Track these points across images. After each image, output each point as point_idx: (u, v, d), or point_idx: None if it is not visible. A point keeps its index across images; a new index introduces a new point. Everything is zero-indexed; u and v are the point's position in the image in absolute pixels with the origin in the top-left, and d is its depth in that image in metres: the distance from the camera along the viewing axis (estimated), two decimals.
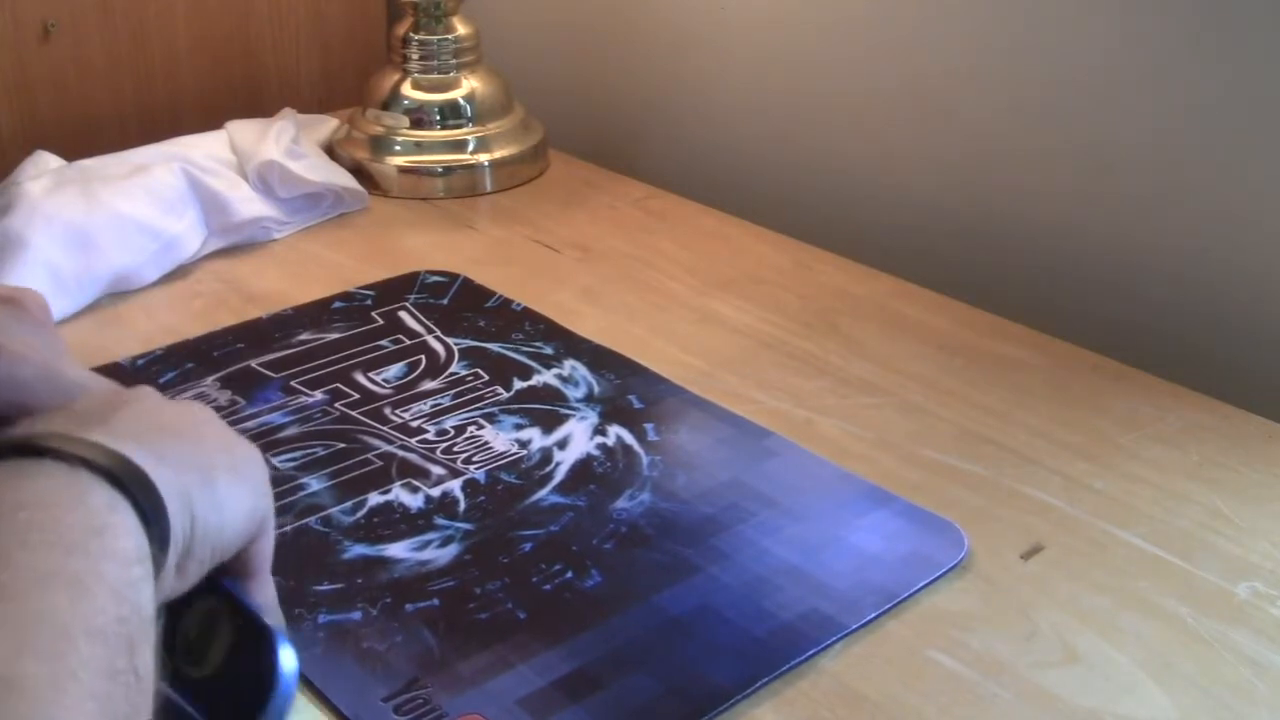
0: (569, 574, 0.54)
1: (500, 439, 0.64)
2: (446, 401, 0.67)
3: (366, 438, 0.64)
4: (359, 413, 0.66)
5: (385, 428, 0.65)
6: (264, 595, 0.41)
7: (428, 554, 0.55)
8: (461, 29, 0.97)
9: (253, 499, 0.40)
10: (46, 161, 0.85)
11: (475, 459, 0.62)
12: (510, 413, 0.67)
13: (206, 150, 0.89)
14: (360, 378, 0.70)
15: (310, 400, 0.67)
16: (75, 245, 0.77)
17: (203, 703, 0.39)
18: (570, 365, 0.71)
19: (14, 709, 0.28)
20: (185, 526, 0.36)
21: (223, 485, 0.39)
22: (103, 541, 0.32)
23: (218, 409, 0.66)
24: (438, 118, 0.97)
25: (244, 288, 0.81)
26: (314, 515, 0.58)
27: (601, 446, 0.64)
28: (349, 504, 0.59)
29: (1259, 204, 0.74)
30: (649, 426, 0.65)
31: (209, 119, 0.96)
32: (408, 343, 0.74)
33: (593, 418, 0.66)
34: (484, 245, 0.88)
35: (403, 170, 0.96)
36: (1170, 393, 0.69)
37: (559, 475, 0.61)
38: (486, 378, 0.70)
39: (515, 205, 0.94)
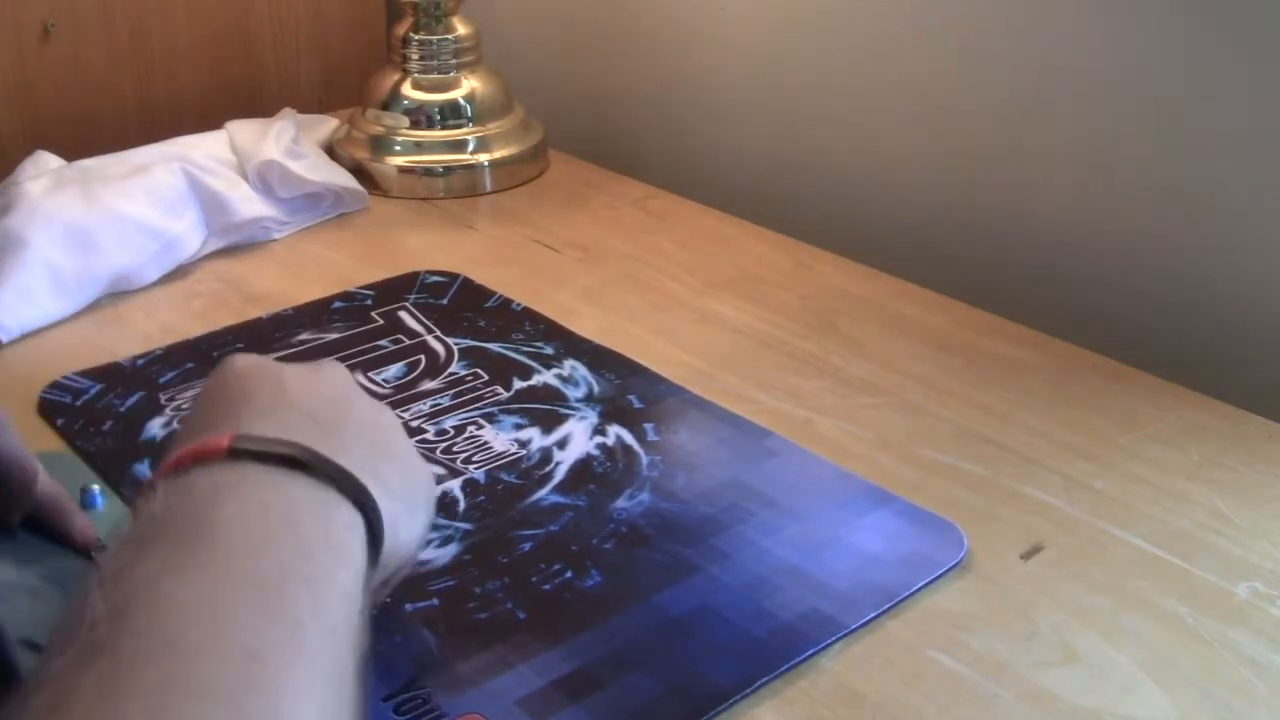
0: (569, 574, 0.54)
1: (500, 439, 0.64)
2: (446, 401, 0.67)
3: None
4: None
5: None
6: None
7: (427, 553, 0.55)
8: (461, 29, 0.97)
9: (427, 529, 0.45)
10: (46, 161, 0.85)
11: (475, 459, 0.62)
12: (510, 412, 0.67)
13: (206, 150, 0.89)
14: (360, 377, 0.70)
15: None
16: (75, 245, 0.77)
17: None
18: (570, 365, 0.71)
19: (258, 676, 0.31)
20: (387, 550, 0.41)
21: (420, 514, 0.44)
22: (338, 554, 0.37)
23: None
24: (438, 118, 0.97)
25: (244, 288, 0.81)
26: None
27: (601, 446, 0.64)
28: None
29: (1259, 203, 0.74)
30: (649, 426, 0.65)
31: (209, 119, 0.96)
32: (407, 343, 0.74)
33: (592, 418, 0.66)
34: (484, 245, 0.88)
35: (403, 170, 0.96)
36: (1170, 393, 0.69)
37: (559, 475, 0.61)
38: (486, 378, 0.70)
39: (515, 205, 0.94)
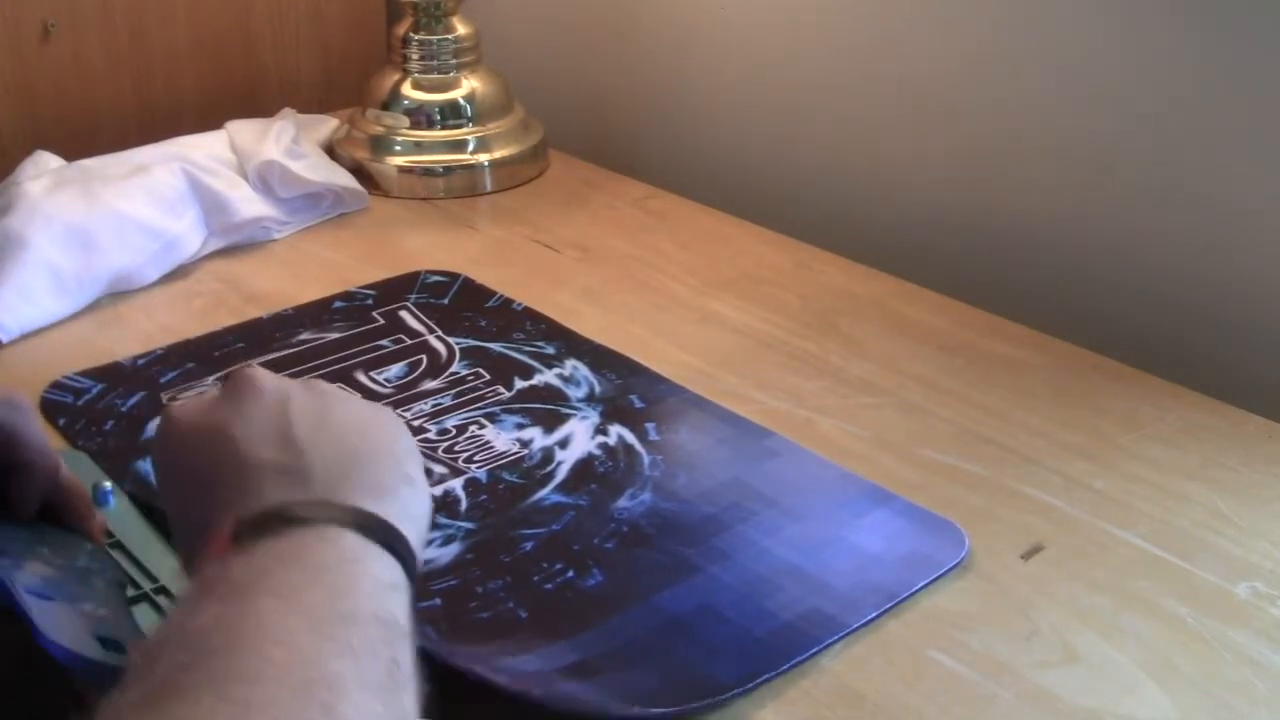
0: (570, 573, 0.54)
1: (501, 438, 0.64)
2: (448, 401, 0.68)
3: None
4: None
5: None
6: None
7: (429, 553, 0.55)
8: (461, 29, 0.97)
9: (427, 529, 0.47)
10: (46, 161, 0.85)
11: (476, 458, 0.63)
12: (511, 412, 0.67)
13: (206, 150, 0.89)
14: (361, 377, 0.70)
15: None
16: (75, 245, 0.77)
17: None
18: (571, 365, 0.71)
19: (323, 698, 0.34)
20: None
21: (425, 527, 0.46)
22: (357, 569, 0.39)
23: None
24: (438, 118, 0.97)
25: (244, 288, 0.81)
26: None
27: (603, 446, 0.64)
28: None
29: (1259, 203, 0.74)
30: (650, 426, 0.65)
31: (209, 119, 0.96)
32: (409, 342, 0.74)
33: (594, 417, 0.66)
34: (484, 245, 0.88)
35: (403, 170, 0.96)
36: (1170, 393, 0.69)
37: (560, 474, 0.61)
38: (488, 377, 0.70)
39: (515, 205, 0.94)
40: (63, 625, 0.45)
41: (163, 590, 0.52)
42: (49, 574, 0.49)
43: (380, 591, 0.39)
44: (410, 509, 0.44)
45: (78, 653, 0.45)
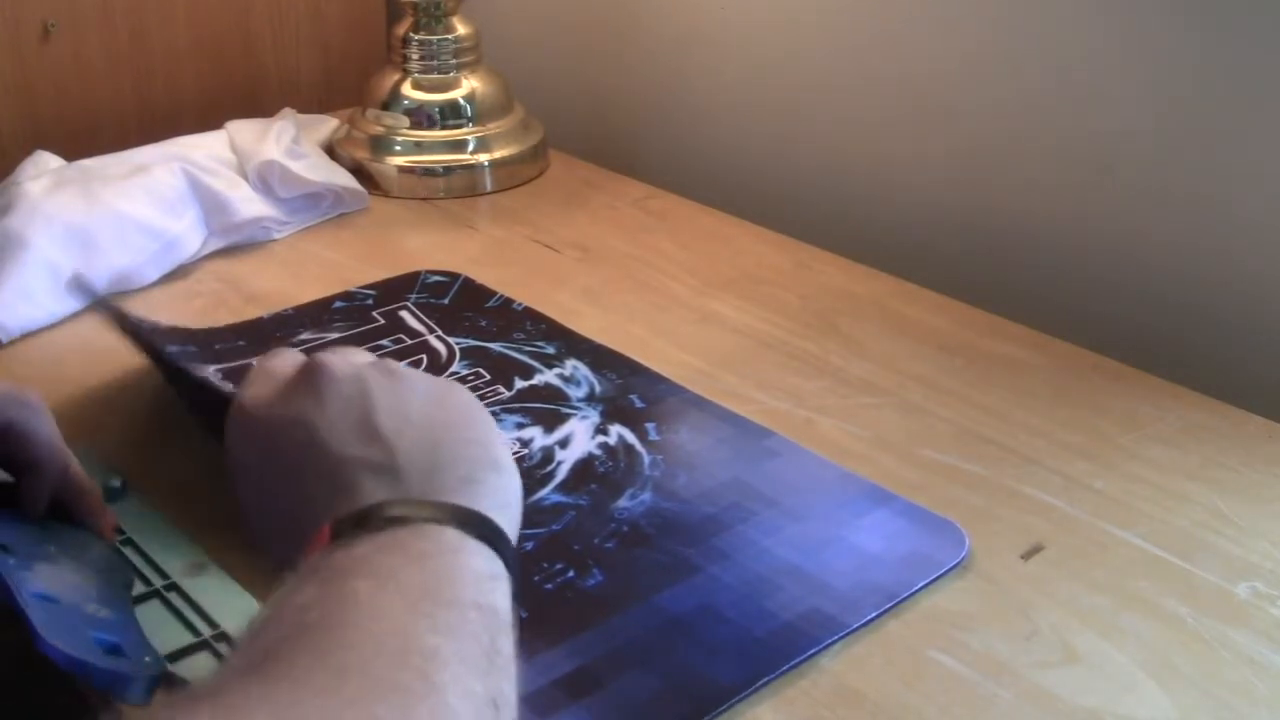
0: (570, 573, 0.54)
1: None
2: None
3: None
4: None
5: None
6: None
7: None
8: (461, 29, 0.97)
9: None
10: (46, 161, 0.85)
11: None
12: (512, 412, 0.67)
13: (206, 150, 0.89)
14: None
15: None
16: (75, 245, 0.77)
17: None
18: (572, 365, 0.71)
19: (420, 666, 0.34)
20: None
21: (517, 511, 0.46)
22: (458, 560, 0.40)
23: None
24: (438, 118, 0.97)
25: (244, 287, 0.81)
26: None
27: (603, 446, 0.64)
28: None
29: (1259, 204, 0.74)
30: (650, 426, 0.65)
31: (209, 119, 0.96)
32: (409, 342, 0.74)
33: (594, 417, 0.66)
34: (484, 245, 0.88)
35: (403, 170, 0.96)
36: (1170, 393, 0.69)
37: (560, 474, 0.61)
38: (488, 377, 0.70)
39: (515, 205, 0.94)
40: (64, 628, 0.46)
41: (173, 587, 0.52)
42: (56, 573, 0.49)
43: (480, 581, 0.39)
44: (501, 496, 0.44)
45: (76, 656, 0.45)
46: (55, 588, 0.48)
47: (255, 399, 0.47)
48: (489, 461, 0.45)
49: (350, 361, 0.48)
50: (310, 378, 0.46)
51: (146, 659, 0.47)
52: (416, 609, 0.37)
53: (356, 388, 0.46)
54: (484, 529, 0.41)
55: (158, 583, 0.52)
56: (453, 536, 0.40)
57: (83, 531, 0.53)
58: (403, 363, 0.71)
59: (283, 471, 0.45)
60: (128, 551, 0.54)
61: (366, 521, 0.40)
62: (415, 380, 0.47)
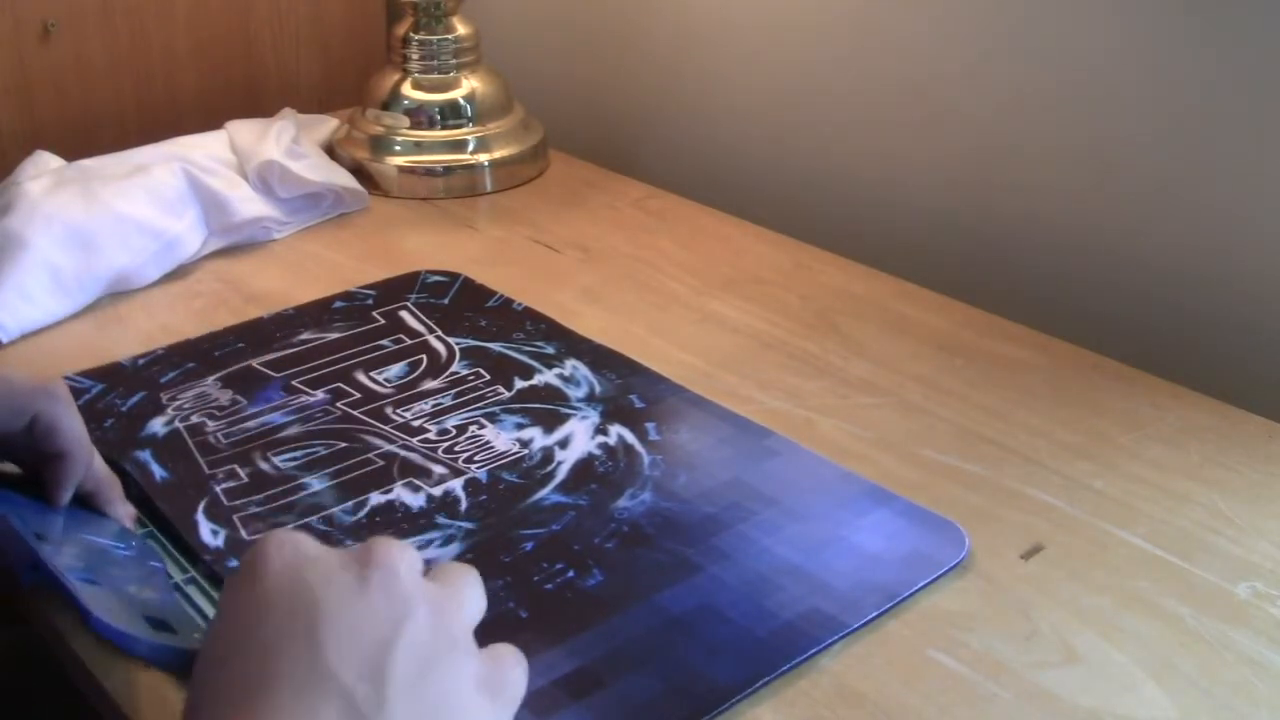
0: (571, 573, 0.54)
1: (501, 438, 0.64)
2: (448, 401, 0.68)
3: (368, 437, 0.64)
4: (360, 412, 0.66)
5: (387, 427, 0.65)
6: None
7: (430, 553, 0.55)
8: (461, 29, 0.97)
9: None
10: (46, 161, 0.85)
11: (477, 458, 0.63)
12: (511, 412, 0.67)
13: (206, 150, 0.89)
14: (362, 377, 0.70)
15: (312, 400, 0.67)
16: (75, 245, 0.77)
17: None
18: (571, 365, 0.71)
19: None
20: None
21: None
22: None
23: (219, 408, 0.66)
24: (438, 118, 0.97)
25: (244, 288, 0.81)
26: (316, 515, 0.58)
27: (603, 446, 0.64)
28: (350, 504, 0.59)
29: (1259, 204, 0.74)
30: (650, 426, 0.65)
31: (209, 119, 0.96)
32: (409, 342, 0.74)
33: (594, 417, 0.66)
34: (484, 245, 0.88)
35: (403, 170, 0.96)
36: (1170, 393, 0.69)
37: (560, 474, 0.61)
38: (488, 377, 0.70)
39: (515, 205, 0.94)
40: (110, 608, 0.46)
41: (194, 581, 0.53)
42: (90, 559, 0.50)
43: None
44: None
45: (129, 633, 0.45)
46: (93, 571, 0.48)
47: (293, 544, 0.41)
48: None
49: (419, 574, 0.42)
50: (367, 560, 0.41)
51: (196, 635, 0.48)
52: None
53: (400, 610, 0.40)
54: None
55: (178, 576, 0.53)
56: None
57: (109, 521, 0.54)
58: (402, 362, 0.71)
59: (259, 630, 0.39)
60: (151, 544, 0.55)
61: None
62: (460, 656, 0.41)
